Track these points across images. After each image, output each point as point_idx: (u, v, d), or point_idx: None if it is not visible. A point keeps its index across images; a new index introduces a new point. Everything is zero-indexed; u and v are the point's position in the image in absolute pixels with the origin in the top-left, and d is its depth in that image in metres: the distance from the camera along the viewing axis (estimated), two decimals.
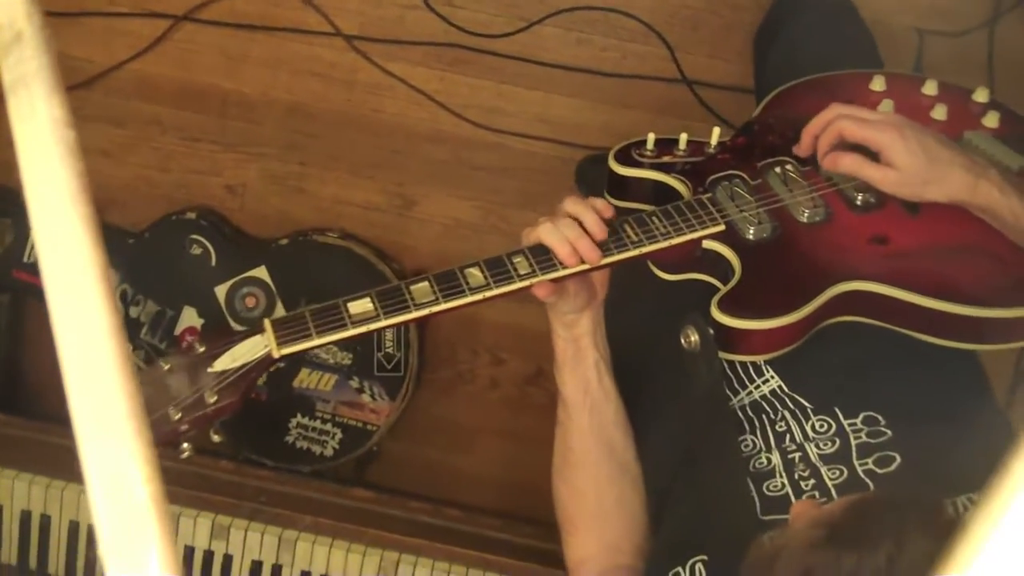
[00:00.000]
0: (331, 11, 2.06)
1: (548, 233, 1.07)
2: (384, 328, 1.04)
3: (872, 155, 1.15)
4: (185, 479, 1.94)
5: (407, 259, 2.18)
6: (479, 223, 2.16)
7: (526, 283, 1.06)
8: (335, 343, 1.02)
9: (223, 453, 2.09)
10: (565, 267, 1.07)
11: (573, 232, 1.07)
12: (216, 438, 1.02)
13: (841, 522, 0.72)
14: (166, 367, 1.00)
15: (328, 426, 2.16)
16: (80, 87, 2.14)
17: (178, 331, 2.14)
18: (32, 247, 2.12)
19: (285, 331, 1.01)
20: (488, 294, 1.05)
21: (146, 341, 2.15)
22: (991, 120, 1.29)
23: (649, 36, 2.00)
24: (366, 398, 2.14)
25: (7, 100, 0.38)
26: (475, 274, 1.06)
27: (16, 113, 0.39)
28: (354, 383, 2.13)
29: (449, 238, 2.18)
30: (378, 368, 2.11)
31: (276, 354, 1.00)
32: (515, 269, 1.07)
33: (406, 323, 1.06)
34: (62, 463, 1.91)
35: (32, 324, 2.30)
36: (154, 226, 2.15)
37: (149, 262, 2.15)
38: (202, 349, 1.01)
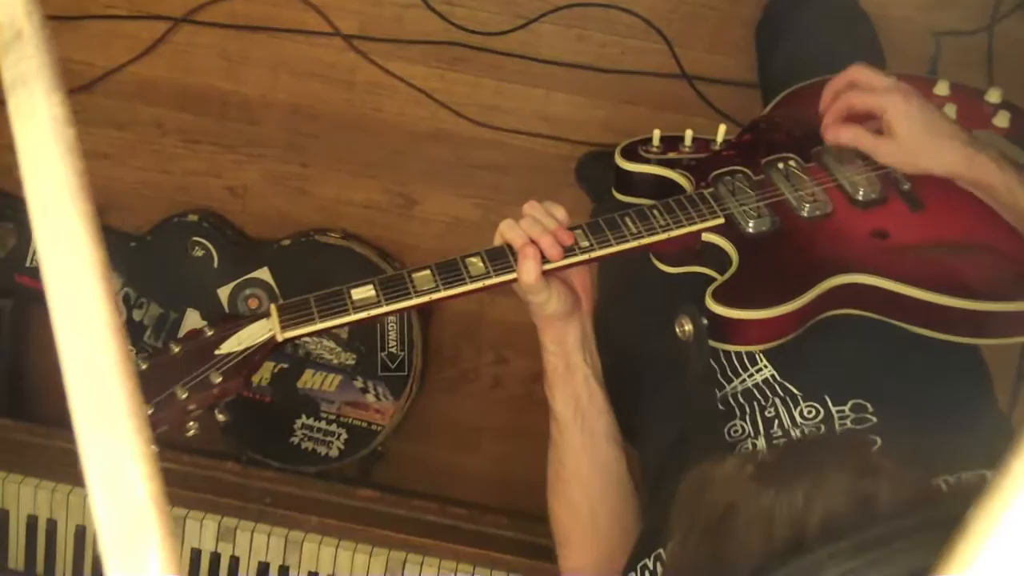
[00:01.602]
0: (330, 11, 2.06)
1: (509, 229, 1.09)
2: (385, 314, 1.06)
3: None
4: (191, 481, 1.94)
5: (409, 258, 2.18)
6: (480, 221, 2.16)
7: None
8: (337, 327, 1.04)
9: (228, 455, 2.10)
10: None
11: (533, 227, 1.08)
12: (221, 417, 1.04)
13: (769, 460, 0.72)
14: (176, 350, 1.03)
15: (333, 427, 2.17)
16: (80, 90, 2.14)
17: (181, 334, 2.14)
18: (35, 252, 2.12)
19: (289, 315, 1.03)
20: (488, 282, 1.06)
21: (150, 344, 2.15)
22: (1002, 120, 1.30)
23: (648, 31, 1.99)
24: (370, 398, 2.14)
25: (7, 99, 0.38)
26: (476, 263, 1.08)
27: (16, 112, 0.39)
28: (358, 383, 2.13)
29: (451, 236, 2.18)
30: (382, 368, 2.11)
31: (280, 337, 1.03)
32: (515, 258, 1.08)
33: (407, 310, 1.08)
34: (67, 467, 1.91)
35: (35, 328, 2.30)
36: (156, 229, 2.16)
37: (151, 265, 2.15)
38: (210, 333, 1.04)
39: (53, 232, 0.38)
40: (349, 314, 1.04)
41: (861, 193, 1.20)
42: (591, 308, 1.17)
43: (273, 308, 1.04)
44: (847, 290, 1.11)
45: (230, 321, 1.05)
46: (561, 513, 1.21)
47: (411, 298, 1.05)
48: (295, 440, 2.18)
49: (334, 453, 2.18)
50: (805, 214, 1.19)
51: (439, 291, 1.06)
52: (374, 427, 2.16)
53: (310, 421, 2.16)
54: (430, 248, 2.17)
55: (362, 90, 2.12)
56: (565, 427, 1.18)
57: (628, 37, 2.01)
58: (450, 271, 1.07)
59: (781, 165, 1.25)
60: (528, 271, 1.05)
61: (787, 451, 0.79)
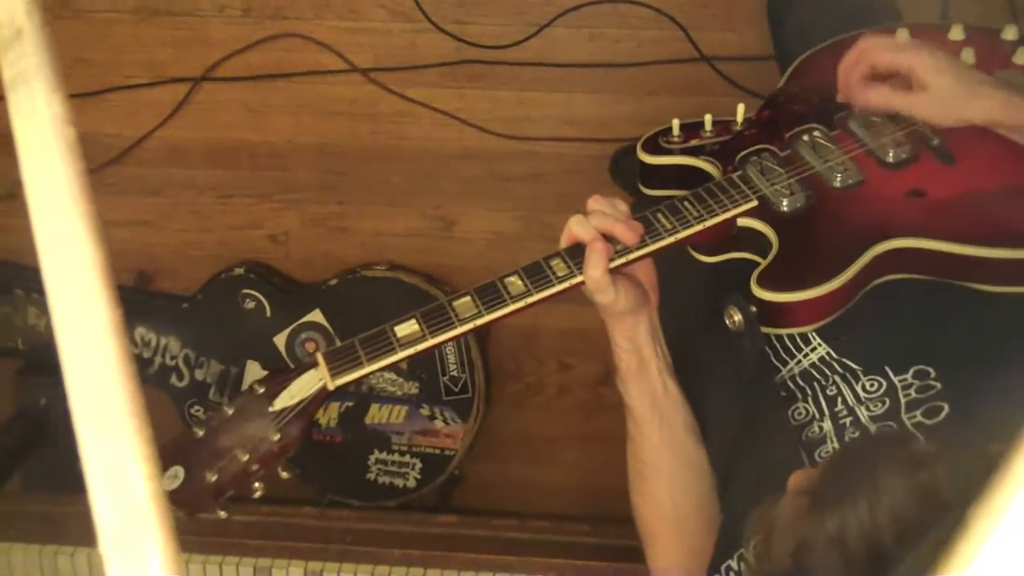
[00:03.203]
0: (344, 48, 2.07)
1: (578, 225, 1.07)
2: (432, 347, 1.05)
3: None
4: (272, 531, 1.95)
5: (457, 279, 2.18)
6: (521, 232, 2.16)
7: (565, 284, 1.06)
8: (387, 367, 1.04)
9: (308, 500, 2.11)
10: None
11: (604, 220, 1.06)
12: (284, 475, 1.04)
13: (820, 485, 0.70)
14: (229, 412, 1.03)
15: (406, 457, 2.17)
16: (112, 163, 2.18)
17: (245, 387, 2.15)
18: None
19: (337, 362, 1.03)
20: (530, 300, 1.05)
21: (215, 402, 2.17)
22: (1021, 57, 1.27)
23: (660, 20, 1.98)
24: (439, 424, 2.14)
25: (7, 97, 0.38)
26: (515, 282, 1.06)
27: (16, 110, 0.39)
28: (425, 411, 2.13)
29: (494, 252, 2.18)
30: (446, 392, 2.11)
31: (331, 386, 1.02)
32: (553, 272, 1.06)
33: (453, 339, 1.06)
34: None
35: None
36: (205, 287, 2.18)
37: (206, 323, 2.17)
38: (262, 390, 1.03)
39: (53, 232, 0.38)
40: (396, 352, 1.03)
41: (891, 155, 1.17)
42: (658, 301, 1.16)
43: (320, 357, 1.04)
44: (892, 256, 1.09)
45: (280, 376, 1.04)
46: (645, 510, 1.20)
47: (455, 327, 1.04)
48: (371, 476, 2.18)
49: (411, 484, 2.18)
50: (838, 184, 1.16)
51: (482, 316, 1.05)
52: (447, 452, 2.16)
53: (383, 455, 2.17)
54: (476, 267, 2.17)
55: (386, 121, 2.12)
56: (643, 423, 1.16)
57: (641, 29, 2.00)
58: (490, 295, 1.06)
59: (806, 137, 1.22)
60: (595, 264, 1.04)
61: (832, 469, 0.77)
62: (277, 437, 1.00)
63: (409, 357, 1.04)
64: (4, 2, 0.40)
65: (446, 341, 1.05)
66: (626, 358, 1.16)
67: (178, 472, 1.01)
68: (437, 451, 2.16)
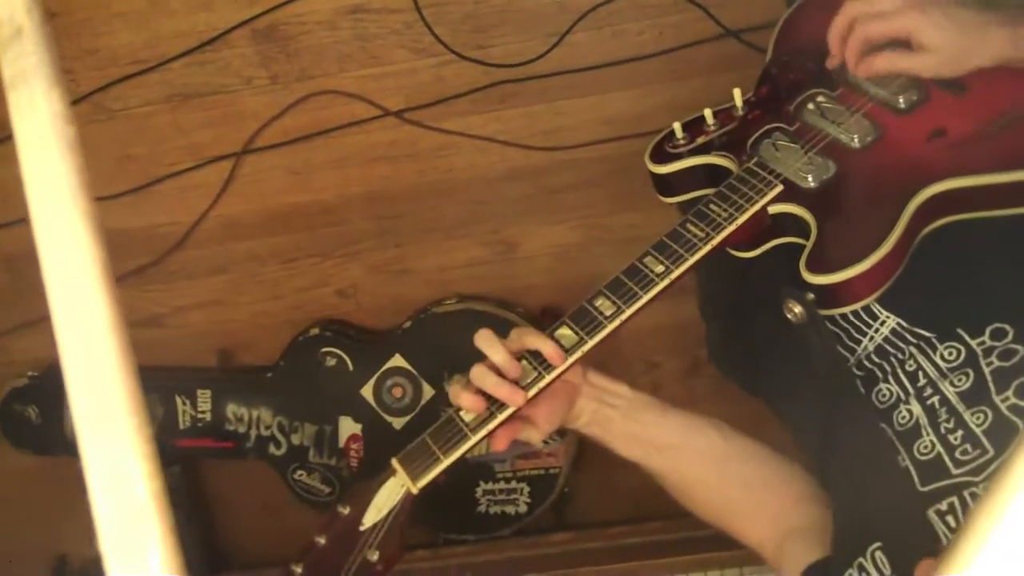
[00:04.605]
0: (374, 95, 2.08)
1: (460, 398, 1.05)
2: (498, 427, 1.03)
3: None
4: None
5: (530, 298, 2.18)
6: (583, 241, 2.15)
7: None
8: (465, 453, 1.03)
9: (423, 543, 2.11)
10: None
11: (485, 383, 1.04)
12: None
13: None
14: (323, 542, 1.02)
15: (513, 483, 2.16)
16: (173, 250, 2.21)
17: (342, 443, 2.18)
18: (185, 413, 2.18)
19: (414, 465, 1.02)
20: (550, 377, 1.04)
21: (316, 463, 2.19)
22: None
23: (678, 4, 1.95)
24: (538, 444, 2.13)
25: (7, 96, 0.38)
26: (568, 336, 1.05)
27: (16, 108, 0.39)
28: None
29: (561, 265, 2.17)
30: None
31: (415, 490, 1.02)
32: (600, 312, 1.06)
33: (508, 420, 1.05)
34: None
35: (211, 483, 2.37)
36: (285, 353, 2.20)
37: (293, 388, 2.19)
38: (347, 511, 1.03)
39: (53, 231, 0.38)
40: (469, 437, 1.02)
41: (902, 100, 1.14)
42: (581, 367, 1.12)
43: (395, 463, 1.03)
44: (933, 203, 1.05)
45: (360, 492, 1.04)
46: (708, 515, 1.19)
47: (499, 414, 1.03)
48: (482, 508, 2.18)
49: (522, 509, 2.18)
50: (857, 145, 1.13)
51: (542, 378, 1.04)
52: (552, 471, 2.15)
53: (489, 485, 2.17)
54: (545, 283, 2.17)
55: (428, 157, 2.13)
56: (650, 466, 1.18)
57: (660, 17, 1.98)
58: (530, 379, 1.04)
59: (811, 105, 1.19)
60: (500, 442, 1.04)
61: None
62: (376, 556, 1.00)
63: (483, 439, 1.03)
64: (4, 0, 0.40)
65: (508, 419, 1.04)
66: (588, 431, 1.17)
67: None
68: (542, 471, 2.15)
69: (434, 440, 1.03)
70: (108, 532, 0.36)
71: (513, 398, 1.02)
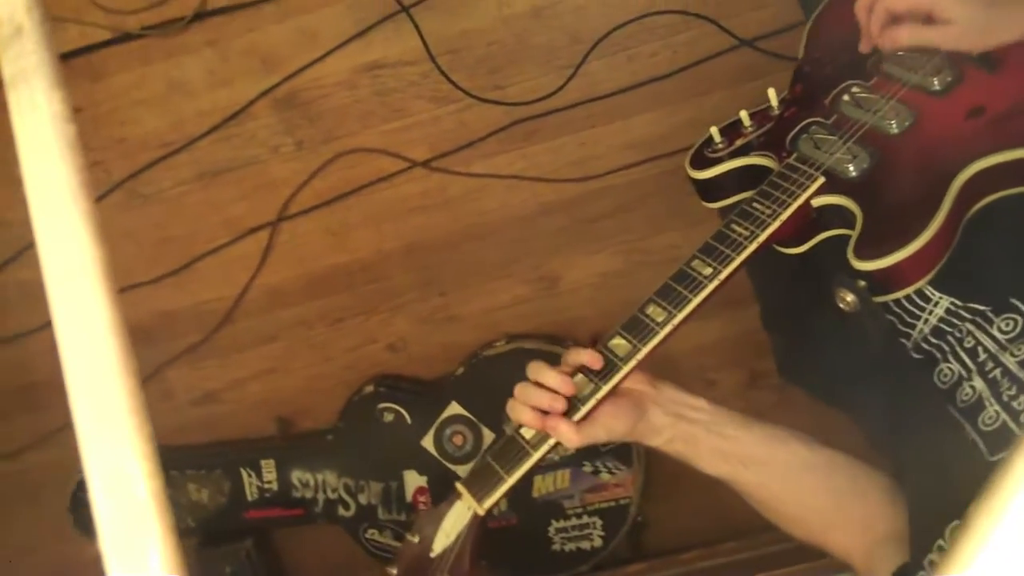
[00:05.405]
0: (399, 148, 2.09)
1: (517, 412, 1.04)
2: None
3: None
4: None
5: (577, 331, 2.17)
6: (624, 267, 2.14)
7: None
8: (529, 470, 1.02)
9: None
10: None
11: (536, 399, 1.04)
12: None
13: None
14: (394, 573, 1.02)
15: (584, 519, 2.15)
16: (221, 326, 2.23)
17: (409, 497, 2.18)
18: (251, 484, 2.19)
19: (478, 486, 1.02)
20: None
21: (386, 520, 2.19)
22: None
23: (688, 21, 1.95)
24: (605, 476, 2.12)
25: (7, 95, 0.38)
26: (621, 344, 1.05)
27: (16, 108, 0.39)
28: (587, 468, 2.12)
29: (606, 293, 2.16)
30: (601, 444, 2.09)
31: (481, 512, 1.01)
32: (653, 320, 1.05)
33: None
34: None
35: (284, 553, 2.37)
36: (343, 414, 2.21)
37: (354, 448, 2.20)
38: (417, 540, 1.03)
39: (53, 231, 0.38)
40: (531, 454, 1.02)
41: (936, 82, 1.13)
42: (651, 380, 1.12)
43: (460, 487, 1.03)
44: (976, 181, 1.04)
45: (428, 519, 1.04)
46: (794, 528, 1.16)
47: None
48: (556, 547, 2.17)
49: (597, 543, 2.16)
50: (896, 130, 1.12)
51: (596, 392, 1.04)
52: (622, 501, 2.13)
53: (561, 523, 2.15)
54: (591, 314, 2.16)
55: (460, 203, 2.14)
56: (737, 481, 1.13)
57: (672, 36, 1.97)
58: (591, 380, 1.04)
59: (847, 96, 1.19)
60: (565, 437, 1.02)
61: None
62: None
63: (546, 455, 1.03)
64: (4, 0, 0.40)
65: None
66: (672, 449, 1.13)
67: None
68: (612, 503, 2.13)
69: (496, 460, 1.02)
70: (108, 532, 0.36)
71: (553, 405, 1.02)
